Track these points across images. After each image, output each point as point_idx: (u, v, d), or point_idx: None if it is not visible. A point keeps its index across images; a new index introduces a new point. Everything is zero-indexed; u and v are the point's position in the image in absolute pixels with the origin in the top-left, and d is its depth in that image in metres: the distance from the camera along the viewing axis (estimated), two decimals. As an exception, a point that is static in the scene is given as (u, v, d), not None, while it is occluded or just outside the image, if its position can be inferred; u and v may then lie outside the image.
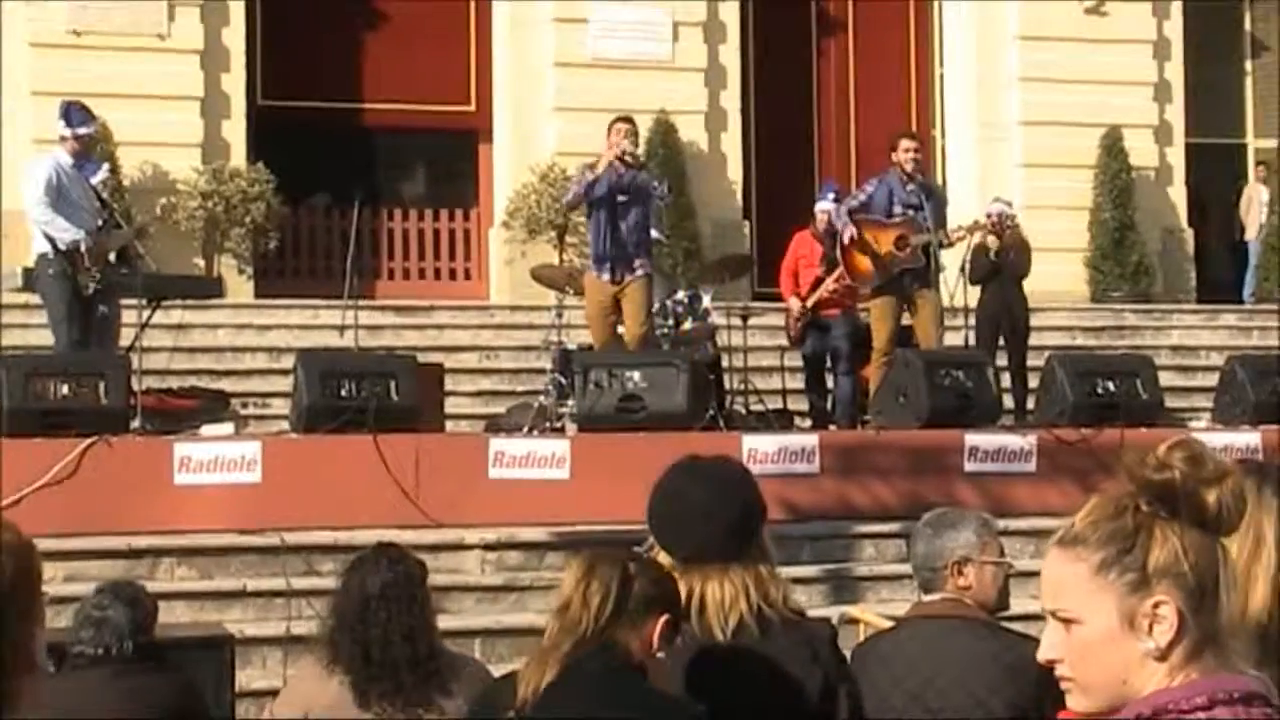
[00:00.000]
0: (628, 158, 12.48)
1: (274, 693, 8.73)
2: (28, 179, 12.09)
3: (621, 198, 12.39)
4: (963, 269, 14.36)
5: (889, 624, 8.19)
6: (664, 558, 4.14)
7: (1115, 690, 2.38)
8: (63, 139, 12.11)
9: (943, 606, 4.73)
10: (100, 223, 11.95)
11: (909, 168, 13.38)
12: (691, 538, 4.07)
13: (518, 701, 3.71)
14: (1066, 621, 2.40)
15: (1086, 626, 2.39)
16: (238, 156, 17.55)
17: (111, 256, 11.93)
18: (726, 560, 4.08)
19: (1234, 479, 2.39)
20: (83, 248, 11.57)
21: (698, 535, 4.06)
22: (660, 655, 3.79)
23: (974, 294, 14.57)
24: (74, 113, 12.12)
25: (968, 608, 4.72)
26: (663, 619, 3.79)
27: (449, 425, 13.10)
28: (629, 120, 12.88)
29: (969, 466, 11.83)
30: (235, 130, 17.66)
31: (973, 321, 14.36)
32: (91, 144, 12.31)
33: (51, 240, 11.65)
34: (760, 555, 4.19)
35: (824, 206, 14.62)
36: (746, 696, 4.02)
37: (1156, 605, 2.35)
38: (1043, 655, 2.44)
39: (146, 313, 12.14)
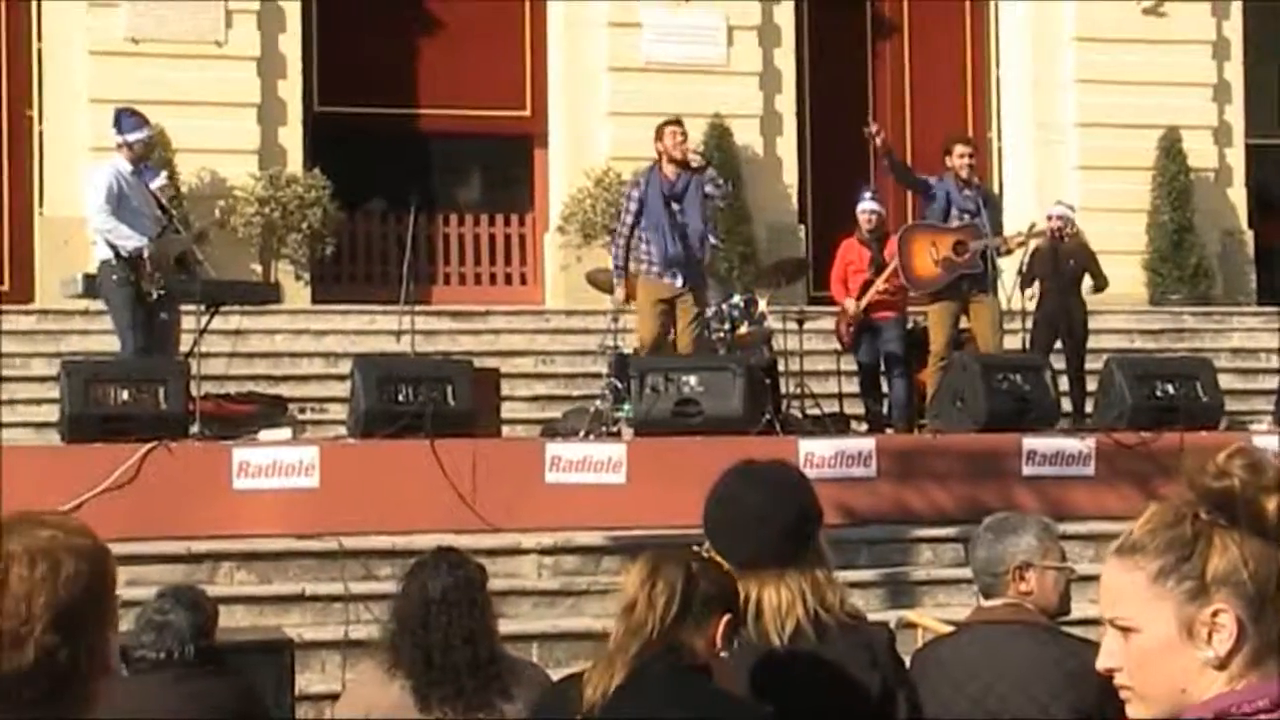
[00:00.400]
0: (692, 159, 12.51)
1: (333, 697, 8.81)
2: (89, 186, 12.16)
3: (675, 202, 12.40)
4: (1019, 272, 14.30)
5: (947, 628, 8.16)
6: (720, 562, 4.14)
7: (1174, 699, 2.36)
8: (119, 146, 12.17)
9: (1004, 612, 4.70)
10: (161, 229, 12.02)
11: (964, 174, 13.37)
12: (747, 543, 4.06)
13: (585, 705, 3.70)
14: (1125, 630, 2.39)
15: (1145, 635, 2.37)
16: (294, 163, 17.63)
17: (173, 262, 12.00)
18: (782, 565, 4.07)
19: None
20: (145, 254, 11.63)
21: (753, 540, 4.06)
22: (723, 655, 3.79)
23: (1031, 297, 14.49)
24: (125, 119, 12.17)
25: (1029, 613, 4.70)
26: (725, 618, 3.79)
27: (505, 430, 13.13)
28: (678, 122, 12.89)
29: (1027, 470, 11.79)
30: (292, 136, 17.74)
31: (1029, 325, 14.30)
32: (147, 150, 12.34)
33: (114, 247, 11.71)
34: (816, 560, 4.18)
35: (865, 208, 14.59)
36: (804, 702, 4.01)
37: (1215, 614, 2.33)
38: (1101, 664, 2.42)
39: (205, 318, 12.21)
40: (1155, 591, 2.35)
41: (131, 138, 12.06)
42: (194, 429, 11.25)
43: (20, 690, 2.40)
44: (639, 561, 3.83)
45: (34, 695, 2.41)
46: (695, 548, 4.05)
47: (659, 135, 12.62)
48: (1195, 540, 2.35)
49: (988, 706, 4.57)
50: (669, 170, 12.45)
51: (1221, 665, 2.34)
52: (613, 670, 3.69)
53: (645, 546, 10.65)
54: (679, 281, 12.39)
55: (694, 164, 12.52)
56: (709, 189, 12.62)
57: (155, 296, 11.67)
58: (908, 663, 4.65)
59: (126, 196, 11.84)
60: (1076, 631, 4.84)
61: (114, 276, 11.71)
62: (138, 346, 11.69)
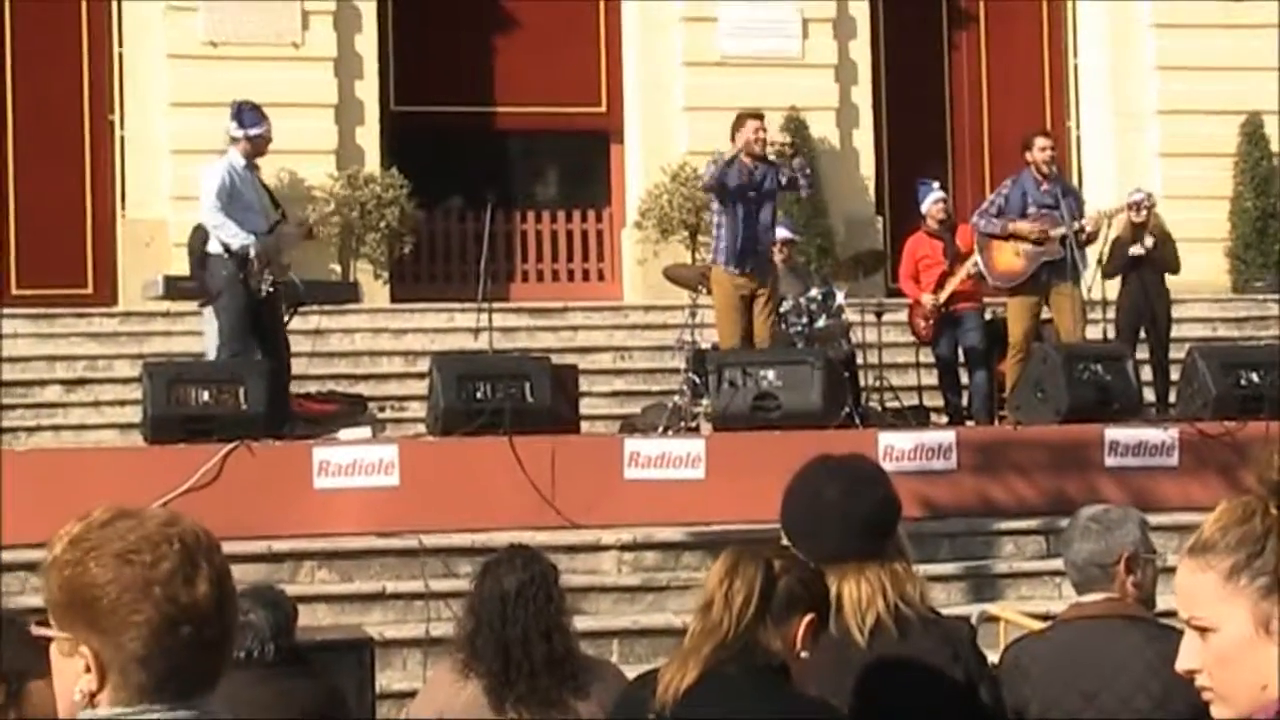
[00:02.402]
0: (776, 149, 12.48)
1: (414, 694, 8.83)
2: (202, 183, 12.10)
3: (752, 193, 12.38)
4: (1099, 261, 14.17)
5: (1032, 623, 8.11)
6: (799, 557, 4.12)
7: (1255, 696, 2.34)
8: (234, 140, 12.11)
9: (1108, 606, 4.60)
10: (274, 224, 11.98)
11: (1045, 168, 13.25)
12: (827, 537, 4.04)
13: (657, 703, 3.67)
14: (1202, 630, 2.36)
15: (1221, 634, 2.35)
16: (372, 162, 17.71)
17: (285, 258, 11.99)
18: (863, 559, 4.04)
19: None
20: (252, 252, 11.59)
21: (833, 534, 4.03)
22: (804, 655, 3.74)
23: (1113, 287, 14.35)
24: (246, 113, 12.12)
25: (1133, 606, 4.62)
26: (808, 619, 3.74)
27: (584, 426, 13.13)
28: (760, 116, 12.86)
29: (1110, 461, 11.67)
30: (369, 136, 17.83)
31: (1111, 314, 14.16)
32: (265, 144, 12.31)
33: (225, 244, 11.70)
34: (896, 553, 4.15)
35: (934, 198, 14.45)
36: (886, 698, 3.98)
37: None
38: (1181, 665, 2.40)
39: (286, 318, 12.26)
40: (1229, 590, 2.33)
41: (254, 131, 12.02)
42: (285, 428, 11.31)
43: None
44: (720, 559, 3.77)
45: None
46: (785, 544, 4.00)
47: (739, 125, 12.55)
48: (1266, 536, 2.33)
49: (1103, 703, 4.47)
50: (747, 161, 12.42)
51: None
52: (685, 670, 3.65)
53: (725, 542, 10.64)
54: (738, 271, 12.35)
55: (774, 158, 12.48)
56: (800, 180, 12.58)
57: (264, 294, 11.67)
58: (997, 658, 4.61)
59: (239, 192, 11.79)
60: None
61: (224, 273, 11.68)
62: (242, 347, 11.62)
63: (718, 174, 12.35)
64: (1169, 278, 14.73)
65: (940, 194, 14.53)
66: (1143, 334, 14.33)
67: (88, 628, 2.42)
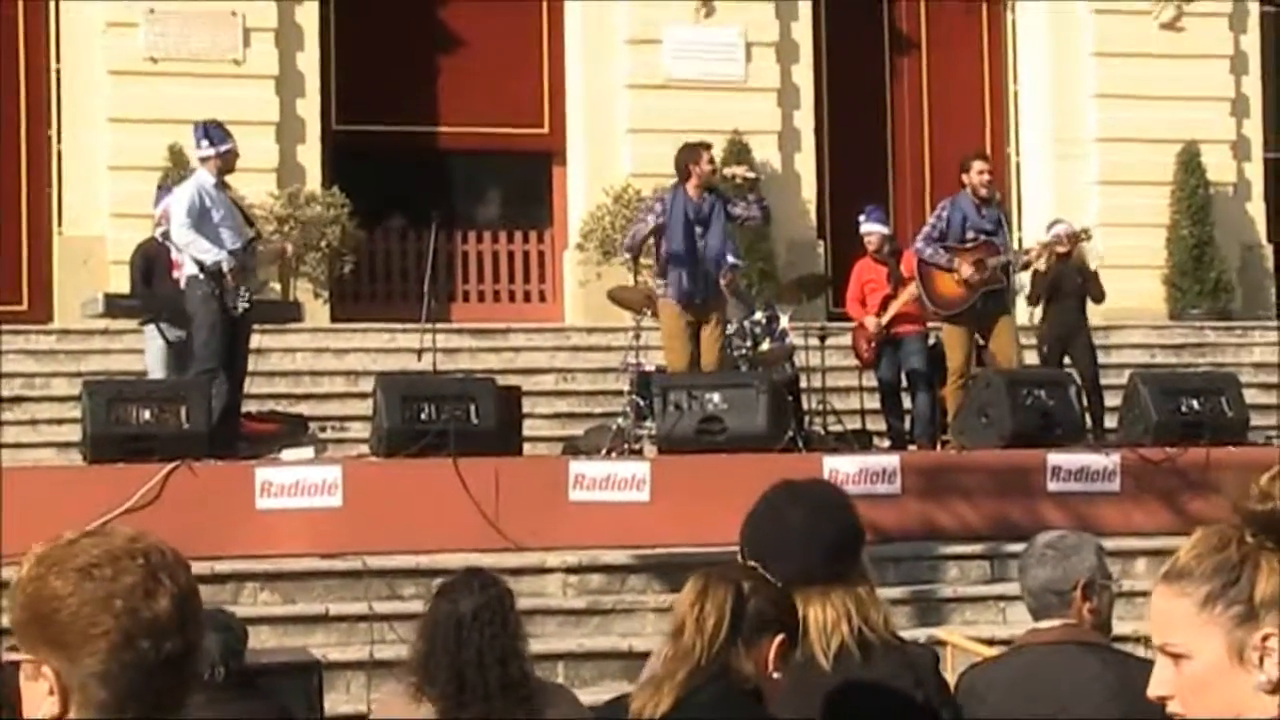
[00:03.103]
0: (737, 181, 12.51)
1: (358, 718, 8.78)
2: (173, 204, 12.03)
3: (699, 227, 12.37)
4: (1027, 286, 14.27)
5: (982, 648, 8.12)
6: (761, 583, 4.10)
7: None
8: (204, 160, 12.06)
9: (1065, 632, 4.62)
10: (248, 241, 11.91)
11: (983, 191, 13.32)
12: (791, 561, 4.02)
13: (634, 714, 3.64)
14: (1175, 657, 2.36)
15: (1195, 661, 2.34)
16: (313, 181, 17.63)
17: (262, 274, 11.89)
18: (827, 583, 4.03)
19: None
20: (225, 268, 11.52)
21: (798, 558, 4.01)
22: (776, 676, 3.72)
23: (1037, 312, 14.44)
24: (213, 131, 12.07)
25: (1090, 633, 4.63)
26: (778, 639, 3.72)
27: (526, 448, 13.09)
28: (708, 146, 12.90)
29: (1052, 486, 11.73)
30: (310, 155, 17.75)
31: (1036, 341, 14.27)
32: (233, 160, 12.25)
33: (199, 263, 11.62)
34: (860, 577, 4.14)
35: (866, 229, 14.52)
36: (850, 720, 3.97)
37: (1265, 638, 2.30)
38: (1152, 691, 2.39)
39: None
40: (1204, 617, 2.33)
41: (223, 148, 11.98)
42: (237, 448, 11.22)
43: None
44: (690, 582, 3.72)
45: None
46: (752, 564, 3.97)
47: (694, 159, 12.50)
48: (1242, 564, 2.33)
49: None
50: (694, 193, 12.40)
51: (1274, 689, 2.31)
52: (659, 697, 3.62)
53: (671, 565, 10.64)
54: (686, 303, 12.36)
55: (739, 182, 12.52)
56: (755, 212, 12.61)
57: (240, 311, 11.59)
58: (952, 684, 4.60)
59: (209, 211, 11.73)
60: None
61: (199, 293, 11.59)
62: (212, 364, 11.52)
63: (634, 245, 12.45)
64: (1092, 306, 14.83)
65: (870, 225, 14.52)
66: (1067, 361, 14.40)
67: (49, 646, 2.38)
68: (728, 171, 13.10)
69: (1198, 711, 2.35)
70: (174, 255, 12.33)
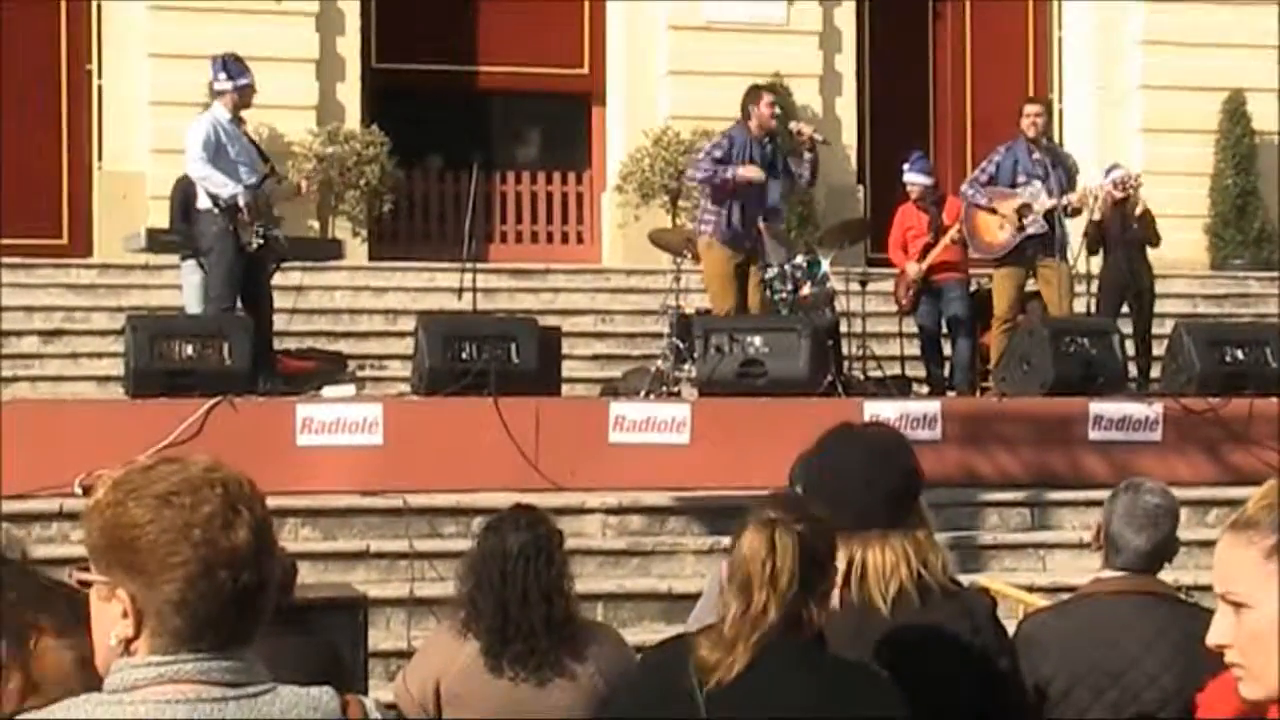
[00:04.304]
0: (804, 139, 12.44)
1: (398, 654, 8.80)
2: (188, 138, 12.00)
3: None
4: (1085, 234, 14.16)
5: (1023, 594, 8.09)
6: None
7: None
8: (219, 94, 12.01)
9: (1131, 581, 4.58)
10: (263, 177, 11.89)
11: (1031, 134, 13.26)
12: (852, 505, 4.01)
13: (708, 687, 3.54)
14: (1237, 606, 2.36)
15: (1257, 612, 2.34)
16: (352, 119, 17.58)
17: (276, 210, 11.89)
18: (886, 527, 4.02)
19: None
20: (241, 202, 11.51)
21: (858, 502, 4.00)
22: (825, 615, 3.67)
23: (1098, 261, 14.34)
24: (231, 65, 12.02)
25: (1155, 582, 4.59)
26: (833, 578, 3.68)
27: (564, 389, 13.07)
28: (773, 89, 12.84)
29: (1094, 435, 11.67)
30: (350, 93, 17.70)
31: (1094, 289, 14.16)
32: (250, 96, 12.20)
33: (213, 197, 11.59)
34: (919, 521, 4.14)
35: (909, 179, 14.46)
36: (908, 666, 3.95)
37: None
38: (1212, 640, 2.40)
39: (270, 274, 12.15)
40: (1269, 568, 2.33)
41: (241, 82, 11.94)
42: (267, 384, 11.22)
43: None
44: (750, 530, 3.60)
45: None
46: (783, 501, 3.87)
47: (755, 100, 12.46)
48: None
49: (1129, 681, 4.44)
50: (757, 135, 12.34)
51: None
52: (734, 656, 3.53)
53: (710, 508, 10.60)
54: (736, 247, 12.30)
55: (807, 144, 12.44)
56: (807, 173, 12.55)
57: (255, 246, 11.56)
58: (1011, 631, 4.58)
59: (225, 146, 11.70)
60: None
61: (214, 229, 11.58)
62: (230, 302, 11.53)
63: (714, 180, 12.30)
64: (1151, 252, 14.73)
65: (913, 176, 14.44)
66: (1126, 309, 14.32)
67: (125, 571, 2.39)
68: (793, 126, 13.04)
69: (1256, 662, 2.35)
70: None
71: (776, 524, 3.57)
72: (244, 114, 12.16)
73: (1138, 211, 14.34)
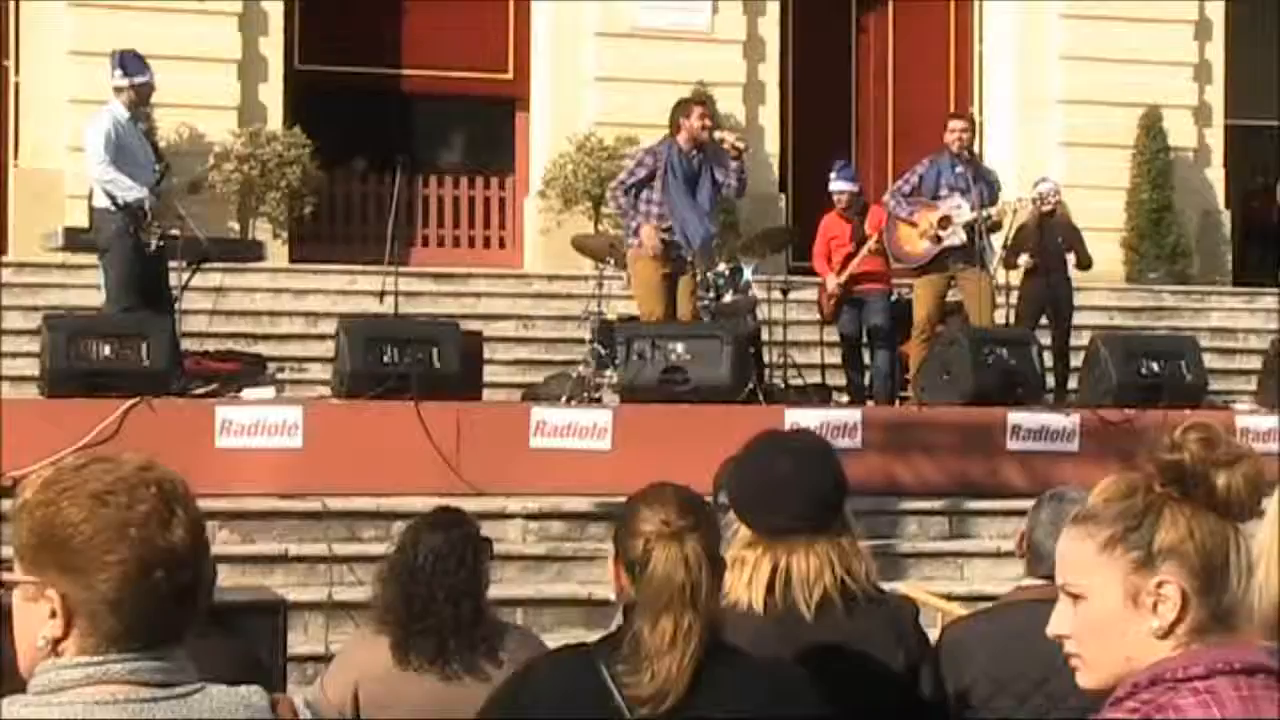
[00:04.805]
0: (727, 147, 12.43)
1: (315, 658, 8.76)
2: (87, 135, 11.90)
3: (688, 183, 12.31)
4: (1004, 246, 14.28)
5: (946, 604, 8.13)
6: (744, 531, 4.08)
7: (1119, 667, 2.40)
8: (118, 90, 11.90)
9: (1055, 590, 4.61)
10: (159, 176, 11.82)
11: (954, 149, 13.36)
12: (778, 511, 4.03)
13: (645, 699, 3.39)
14: (1074, 597, 2.44)
15: (1092, 603, 2.42)
16: (274, 120, 17.49)
17: (181, 210, 11.83)
18: (812, 533, 4.03)
19: (1249, 464, 2.41)
20: (146, 205, 11.45)
21: (787, 508, 4.02)
22: None
23: (1018, 273, 14.46)
24: (130, 61, 11.93)
25: None
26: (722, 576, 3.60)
27: (485, 394, 13.04)
28: (704, 102, 12.85)
29: (1012, 445, 11.77)
30: (272, 94, 17.60)
31: (1014, 300, 14.28)
32: (149, 93, 12.12)
33: (112, 196, 11.51)
34: (843, 528, 4.15)
35: (834, 187, 14.56)
36: (831, 673, 3.96)
37: (1160, 584, 2.38)
38: (1051, 630, 2.47)
39: (186, 275, 12.07)
40: (1103, 560, 2.41)
41: (139, 79, 11.84)
42: (177, 385, 11.13)
43: None
44: (661, 548, 3.43)
45: None
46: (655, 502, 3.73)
47: (685, 113, 12.43)
48: (1146, 512, 2.40)
49: (1052, 689, 4.44)
50: (686, 148, 12.33)
51: (1165, 635, 2.38)
52: (669, 684, 3.38)
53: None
54: (675, 258, 12.30)
55: (733, 153, 12.43)
56: (733, 182, 12.53)
57: (154, 248, 11.50)
58: (935, 638, 4.60)
59: (125, 143, 11.64)
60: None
61: (113, 227, 11.49)
62: (130, 302, 11.51)
63: (641, 178, 12.27)
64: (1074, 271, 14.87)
65: (838, 184, 14.55)
66: (1044, 320, 14.45)
67: (58, 569, 2.36)
68: (718, 135, 13.05)
69: (1091, 652, 2.42)
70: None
71: (683, 536, 3.46)
72: (155, 111, 12.07)
73: (1026, 258, 14.48)
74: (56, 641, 2.37)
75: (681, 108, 12.56)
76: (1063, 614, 2.45)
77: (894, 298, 14.28)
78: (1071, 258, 14.87)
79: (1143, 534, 2.38)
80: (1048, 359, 13.59)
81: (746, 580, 3.99)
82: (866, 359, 14.28)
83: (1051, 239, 14.44)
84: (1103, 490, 2.46)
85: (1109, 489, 2.45)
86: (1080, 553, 2.43)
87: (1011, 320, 13.94)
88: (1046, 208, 14.21)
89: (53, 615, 2.37)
